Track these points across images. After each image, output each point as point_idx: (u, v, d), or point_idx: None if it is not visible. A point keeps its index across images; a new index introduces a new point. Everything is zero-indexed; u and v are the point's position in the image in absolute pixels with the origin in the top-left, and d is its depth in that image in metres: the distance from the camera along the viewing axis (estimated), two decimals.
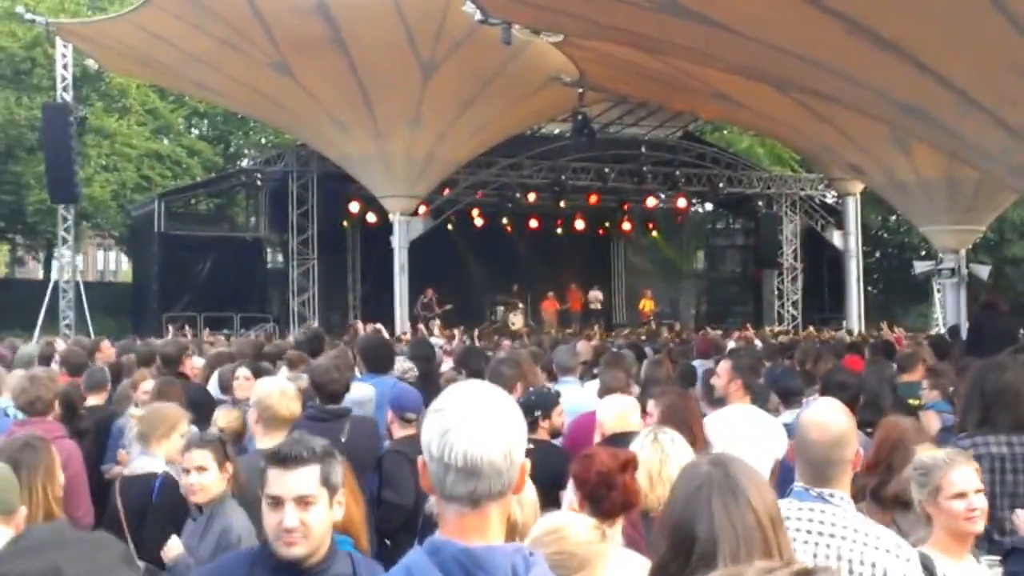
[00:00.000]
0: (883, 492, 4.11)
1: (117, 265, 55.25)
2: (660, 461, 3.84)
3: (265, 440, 4.96)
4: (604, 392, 6.52)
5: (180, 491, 4.51)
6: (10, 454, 4.02)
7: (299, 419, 5.34)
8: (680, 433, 4.21)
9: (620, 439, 4.82)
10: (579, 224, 31.79)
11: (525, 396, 6.01)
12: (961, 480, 3.66)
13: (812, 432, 3.26)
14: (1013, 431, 4.77)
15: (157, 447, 5.03)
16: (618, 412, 5.17)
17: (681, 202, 31.19)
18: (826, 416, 3.32)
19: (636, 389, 7.52)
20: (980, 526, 3.71)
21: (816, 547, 3.09)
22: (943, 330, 21.94)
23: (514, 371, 6.81)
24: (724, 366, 6.61)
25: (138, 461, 5.12)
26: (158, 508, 4.79)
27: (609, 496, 3.56)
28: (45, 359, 9.00)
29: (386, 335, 13.33)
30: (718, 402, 6.35)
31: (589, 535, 2.92)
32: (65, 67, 23.74)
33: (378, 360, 7.07)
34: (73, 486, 4.96)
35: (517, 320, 28.54)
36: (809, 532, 3.12)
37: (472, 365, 7.85)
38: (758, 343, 15.98)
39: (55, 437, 5.22)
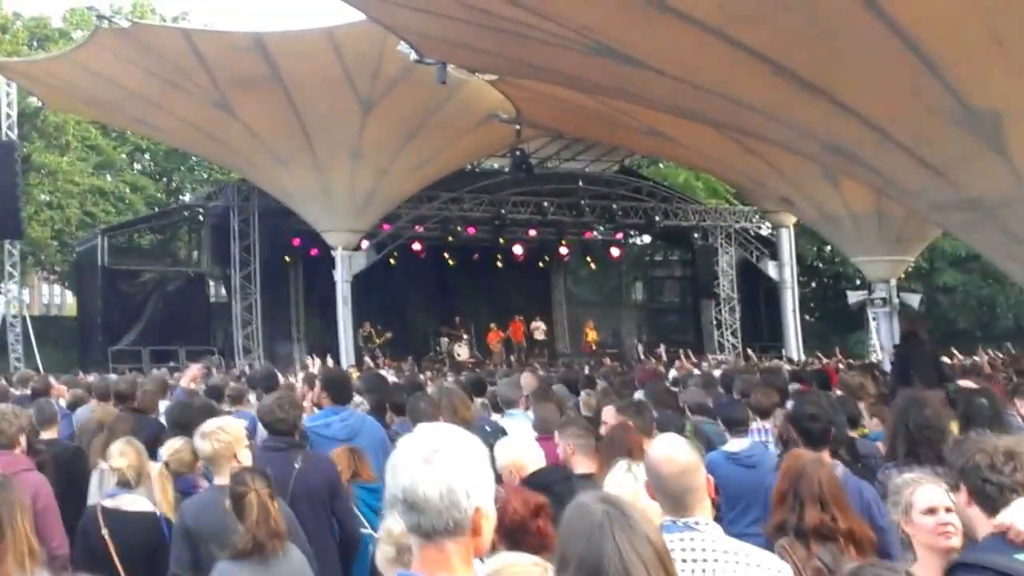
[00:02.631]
0: (801, 525, 4.22)
1: (62, 299, 54.57)
2: (635, 493, 3.89)
3: (218, 477, 5.03)
4: (540, 427, 6.68)
5: None
6: None
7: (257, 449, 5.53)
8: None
9: (539, 476, 4.99)
10: (520, 257, 32.19)
11: None
12: (929, 496, 3.82)
13: (663, 467, 3.46)
14: (937, 463, 5.02)
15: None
16: (533, 451, 5.30)
17: (619, 236, 31.52)
18: (672, 450, 3.53)
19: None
20: (956, 541, 3.73)
21: (693, 573, 3.25)
22: (878, 357, 22.27)
23: (431, 406, 7.02)
24: (610, 411, 6.54)
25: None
26: None
27: (525, 540, 3.67)
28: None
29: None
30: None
31: (530, 572, 2.96)
32: (9, 105, 23.91)
33: (342, 392, 7.33)
34: (46, 517, 5.12)
35: (463, 351, 28.78)
36: (684, 560, 3.25)
37: (394, 399, 8.12)
38: (695, 372, 16.23)
39: (23, 470, 5.45)
